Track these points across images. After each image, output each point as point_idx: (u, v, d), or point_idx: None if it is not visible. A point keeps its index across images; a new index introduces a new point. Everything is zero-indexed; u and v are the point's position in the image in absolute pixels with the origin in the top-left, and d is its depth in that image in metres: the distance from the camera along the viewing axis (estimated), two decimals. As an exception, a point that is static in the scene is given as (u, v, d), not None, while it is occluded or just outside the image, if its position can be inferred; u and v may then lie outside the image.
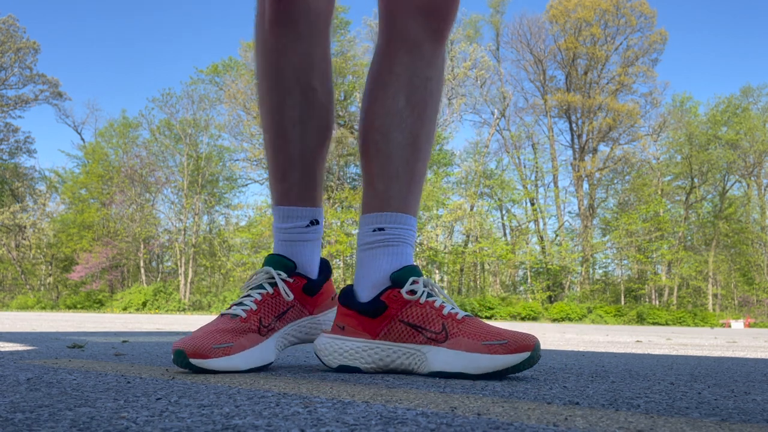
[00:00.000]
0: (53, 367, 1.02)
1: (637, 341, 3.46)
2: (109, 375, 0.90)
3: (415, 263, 1.09)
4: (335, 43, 25.49)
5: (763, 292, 28.94)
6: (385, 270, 1.06)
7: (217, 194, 31.61)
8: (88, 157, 31.89)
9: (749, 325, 22.59)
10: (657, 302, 29.13)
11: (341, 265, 28.96)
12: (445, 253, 28.85)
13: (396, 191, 1.09)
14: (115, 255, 29.73)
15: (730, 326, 21.02)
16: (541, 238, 30.34)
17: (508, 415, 0.60)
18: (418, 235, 25.38)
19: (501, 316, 24.45)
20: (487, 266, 30.81)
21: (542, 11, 33.90)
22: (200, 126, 30.51)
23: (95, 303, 28.16)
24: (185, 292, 28.81)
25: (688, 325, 22.47)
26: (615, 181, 31.53)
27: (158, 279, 31.56)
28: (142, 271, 31.06)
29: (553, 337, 3.97)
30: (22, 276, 32.28)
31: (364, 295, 1.06)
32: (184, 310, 26.04)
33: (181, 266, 29.87)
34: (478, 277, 31.12)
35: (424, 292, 1.03)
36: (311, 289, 1.12)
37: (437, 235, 28.35)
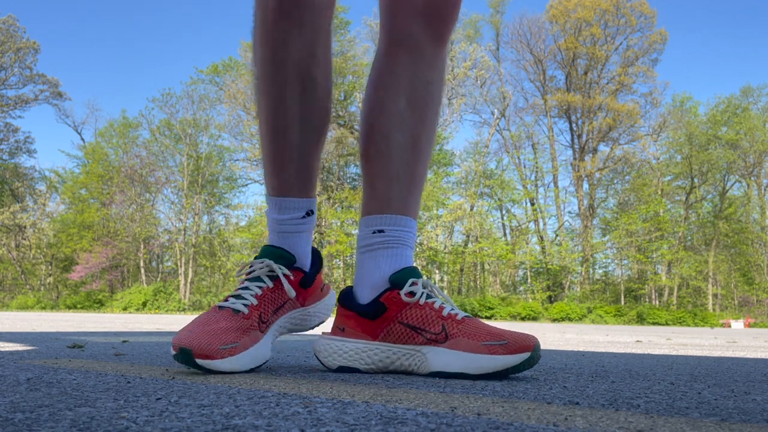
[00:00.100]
0: (53, 367, 1.02)
1: (637, 341, 3.46)
2: (109, 375, 0.90)
3: (414, 265, 1.09)
4: (335, 43, 25.48)
5: (763, 292, 28.94)
6: (385, 272, 1.06)
7: (217, 194, 31.63)
8: (88, 157, 31.90)
9: (749, 325, 22.59)
10: (657, 302, 29.14)
11: (341, 265, 28.97)
12: (445, 253, 28.86)
13: (396, 193, 1.09)
14: (115, 255, 29.73)
15: (730, 326, 21.02)
16: (541, 238, 30.35)
17: (508, 415, 0.60)
18: (418, 235, 25.42)
19: (501, 316, 24.45)
20: (487, 266, 30.82)
21: (542, 11, 33.93)
22: (200, 126, 30.52)
23: (95, 303, 28.16)
24: (185, 292, 28.81)
25: (688, 325, 22.47)
26: (615, 181, 31.56)
27: (158, 279, 31.56)
28: (142, 271, 31.07)
29: (553, 337, 3.97)
30: (22, 276, 32.28)
31: (364, 296, 1.06)
32: (184, 310, 26.04)
33: (181, 266, 29.88)
34: (478, 277, 31.12)
35: (423, 293, 1.03)
36: (306, 282, 1.12)
37: (437, 235, 28.35)
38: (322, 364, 1.06)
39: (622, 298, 29.05)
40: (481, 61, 28.78)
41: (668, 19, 47.12)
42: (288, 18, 1.06)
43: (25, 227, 31.68)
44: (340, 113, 27.92)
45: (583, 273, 29.46)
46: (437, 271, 28.52)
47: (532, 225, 31.13)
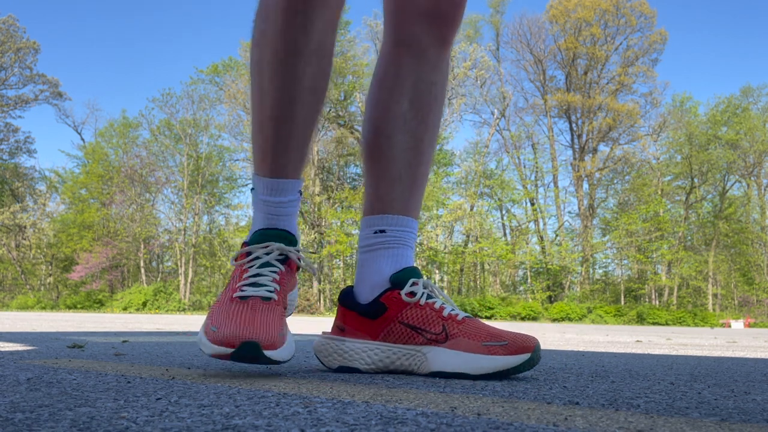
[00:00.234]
0: (53, 367, 1.02)
1: (637, 341, 3.46)
2: (109, 375, 0.90)
3: (415, 265, 1.09)
4: (336, 43, 25.48)
5: (763, 292, 28.94)
6: (386, 272, 1.06)
7: (217, 194, 31.63)
8: (88, 157, 31.90)
9: (749, 325, 22.59)
10: (657, 302, 29.14)
11: (341, 265, 28.98)
12: (445, 253, 28.86)
13: (398, 194, 1.10)
14: (115, 255, 29.74)
15: (730, 326, 21.02)
16: (541, 238, 30.35)
17: (508, 415, 0.60)
18: (418, 235, 25.44)
19: (501, 316, 24.45)
20: (487, 266, 30.82)
21: (542, 11, 33.93)
22: (200, 126, 30.53)
23: (95, 303, 28.17)
24: (185, 292, 28.82)
25: (688, 325, 22.47)
26: (615, 181, 31.56)
27: (158, 279, 31.57)
28: (142, 271, 31.07)
29: (553, 337, 3.97)
30: (22, 276, 32.28)
31: (364, 296, 1.06)
32: (184, 310, 26.04)
33: (181, 266, 29.88)
34: (478, 277, 31.13)
35: (423, 293, 1.03)
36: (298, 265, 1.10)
37: (437, 235, 28.36)
38: (322, 363, 1.06)
39: (622, 298, 29.05)
40: (481, 61, 28.80)
41: (668, 19, 47.16)
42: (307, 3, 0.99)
43: (25, 227, 31.69)
44: (340, 113, 27.93)
45: (583, 273, 29.47)
46: (437, 271, 28.53)
47: (532, 225, 31.15)
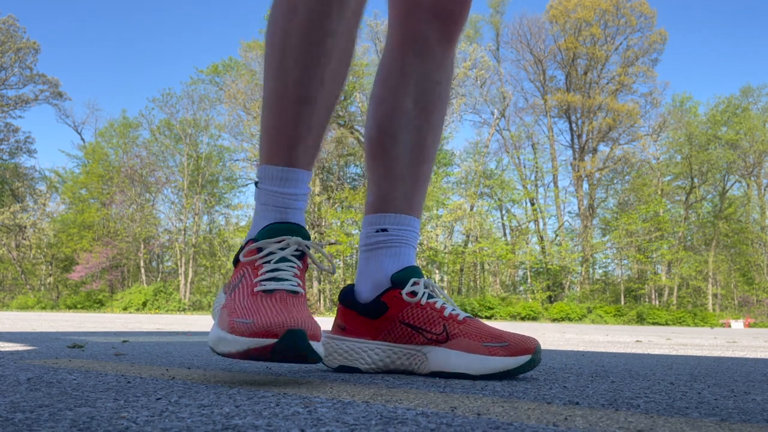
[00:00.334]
0: (53, 367, 1.02)
1: (637, 341, 3.46)
2: (109, 375, 0.90)
3: (416, 264, 1.09)
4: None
5: (763, 292, 28.94)
6: (387, 271, 1.06)
7: (217, 194, 31.64)
8: (88, 157, 31.90)
9: (749, 325, 22.59)
10: (657, 302, 29.14)
11: (341, 265, 28.96)
12: (445, 253, 28.86)
13: (401, 192, 1.10)
14: (115, 255, 29.74)
15: (730, 326, 21.02)
16: (541, 238, 30.35)
17: (508, 415, 0.60)
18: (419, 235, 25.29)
19: (501, 316, 24.45)
20: (487, 266, 30.83)
21: (542, 11, 33.94)
22: (200, 126, 30.54)
23: (95, 303, 28.16)
24: (185, 292, 28.82)
25: (688, 325, 22.47)
26: (615, 181, 31.57)
27: (158, 279, 31.57)
28: (142, 271, 31.07)
29: (553, 337, 3.97)
30: (22, 276, 32.28)
31: (365, 295, 1.06)
32: (184, 310, 26.04)
33: (181, 266, 29.88)
34: (478, 277, 31.13)
35: (425, 293, 1.03)
36: None
37: (437, 235, 28.36)
38: (323, 362, 1.06)
39: (622, 298, 29.05)
40: (481, 61, 28.80)
41: (668, 19, 47.16)
42: None
43: (25, 227, 31.69)
44: (340, 113, 27.92)
45: (583, 273, 29.47)
46: (437, 271, 28.53)
47: (532, 225, 31.15)
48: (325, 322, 8.19)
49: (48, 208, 33.27)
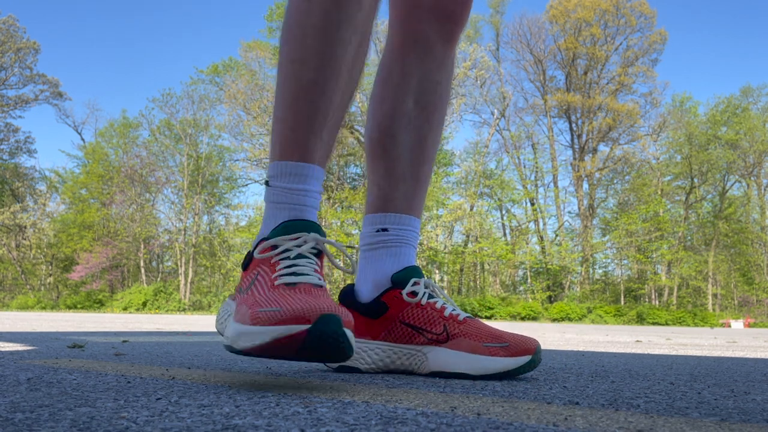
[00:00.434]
0: (53, 367, 1.02)
1: (637, 341, 3.46)
2: (109, 375, 0.90)
3: (416, 264, 1.09)
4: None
5: (763, 292, 28.94)
6: (387, 271, 1.06)
7: (217, 194, 31.64)
8: (88, 157, 31.91)
9: (749, 325, 22.59)
10: (657, 302, 29.14)
11: (341, 264, 28.88)
12: (445, 253, 28.86)
13: (401, 192, 1.10)
14: (115, 255, 29.74)
15: (729, 326, 21.02)
16: (541, 238, 30.35)
17: (508, 415, 0.60)
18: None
19: (501, 316, 24.45)
20: (487, 266, 30.83)
21: (542, 11, 33.93)
22: (200, 126, 30.54)
23: (95, 303, 28.16)
24: (185, 292, 28.82)
25: (688, 325, 22.47)
26: (615, 181, 31.57)
27: (158, 279, 31.57)
28: (142, 271, 31.07)
29: (553, 337, 3.97)
30: (22, 276, 32.28)
31: (365, 295, 1.06)
32: (184, 310, 26.04)
33: (181, 266, 29.88)
34: (478, 277, 31.12)
35: (425, 293, 1.03)
36: None
37: (437, 235, 28.36)
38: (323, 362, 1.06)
39: (622, 298, 29.05)
40: (481, 61, 28.79)
41: (668, 19, 47.17)
42: None
43: (25, 227, 31.69)
44: (340, 113, 27.88)
45: (583, 273, 29.47)
46: (437, 271, 28.53)
47: (532, 225, 31.15)
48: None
49: (48, 208, 33.29)
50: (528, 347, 0.95)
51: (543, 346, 2.42)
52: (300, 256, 0.84)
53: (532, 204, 30.75)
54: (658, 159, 31.08)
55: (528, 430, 0.53)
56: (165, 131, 30.94)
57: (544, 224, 30.71)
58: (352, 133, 27.00)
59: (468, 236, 29.41)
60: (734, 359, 1.79)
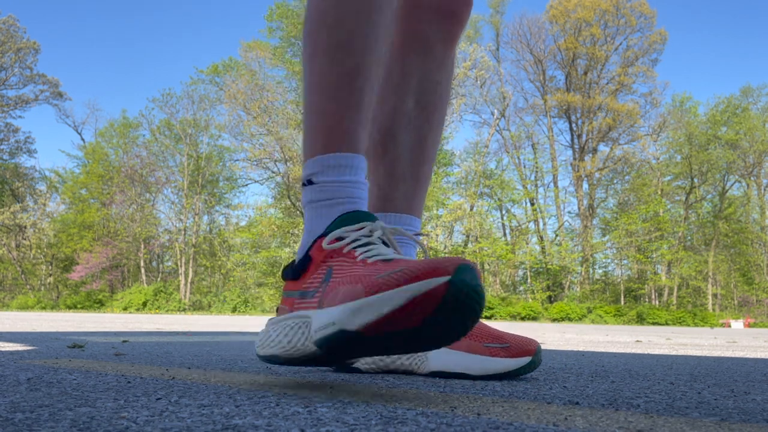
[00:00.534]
0: (53, 367, 1.02)
1: (637, 341, 3.46)
2: (109, 375, 0.90)
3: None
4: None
5: (763, 292, 28.94)
6: None
7: (217, 194, 31.64)
8: (88, 157, 31.91)
9: (749, 325, 22.59)
10: (657, 302, 29.14)
11: (341, 265, 28.90)
12: (445, 253, 28.85)
13: (401, 192, 1.10)
14: (115, 255, 29.74)
15: (729, 326, 21.02)
16: (541, 238, 30.35)
17: (508, 415, 0.60)
18: (418, 235, 25.22)
19: (501, 316, 24.45)
20: (487, 266, 30.81)
21: (542, 11, 33.94)
22: (200, 126, 30.54)
23: (95, 303, 28.17)
24: (185, 292, 28.82)
25: (688, 325, 22.47)
26: (615, 181, 31.57)
27: (158, 279, 31.57)
28: (143, 271, 31.07)
29: (553, 337, 3.97)
30: (22, 276, 32.28)
31: None
32: (184, 310, 26.04)
33: (181, 266, 29.88)
34: (478, 277, 31.06)
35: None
36: None
37: (437, 235, 28.35)
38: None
39: (622, 298, 29.05)
40: (481, 61, 28.80)
41: (668, 19, 47.17)
42: None
43: (25, 227, 31.69)
44: (340, 113, 27.87)
45: (582, 273, 29.46)
46: (437, 271, 28.46)
47: (532, 225, 31.15)
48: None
49: (48, 208, 33.29)
50: (529, 348, 0.95)
51: (543, 346, 2.42)
52: (368, 244, 0.75)
53: (532, 204, 30.75)
54: (658, 159, 31.10)
55: (528, 430, 0.53)
56: (165, 131, 30.96)
57: (544, 224, 30.73)
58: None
59: (468, 236, 29.41)
60: (734, 359, 1.79)
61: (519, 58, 31.48)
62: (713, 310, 28.02)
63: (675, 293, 29.18)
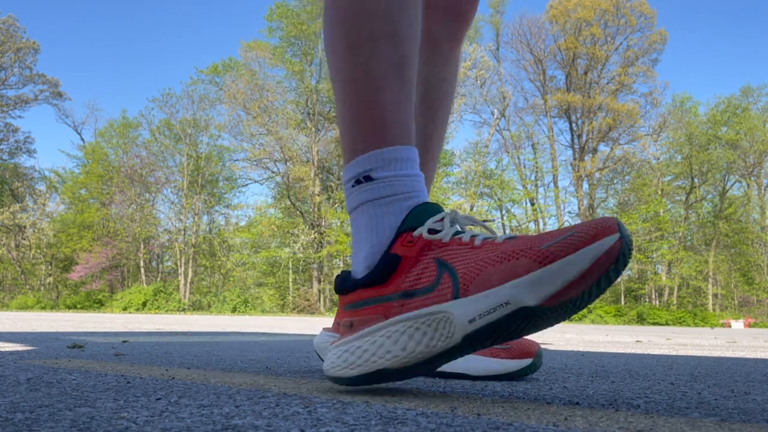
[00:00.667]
0: (53, 367, 1.02)
1: (637, 341, 3.46)
2: (109, 375, 0.90)
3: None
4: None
5: (763, 292, 28.94)
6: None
7: (217, 194, 31.65)
8: (88, 157, 31.92)
9: (749, 325, 22.58)
10: (657, 302, 29.15)
11: (341, 265, 28.94)
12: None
13: None
14: (115, 255, 29.75)
15: (730, 326, 21.02)
16: (541, 238, 30.32)
17: (508, 415, 0.60)
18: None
19: (501, 316, 24.41)
20: (487, 266, 30.81)
21: (542, 11, 33.95)
22: (200, 126, 30.55)
23: (95, 303, 28.17)
24: (185, 292, 28.82)
25: (688, 325, 22.47)
26: (615, 181, 31.57)
27: (158, 279, 31.57)
28: (142, 271, 31.08)
29: (553, 337, 3.97)
30: (22, 276, 32.28)
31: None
32: (184, 310, 26.04)
33: (181, 266, 29.88)
34: (478, 277, 31.07)
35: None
36: None
37: (437, 235, 28.33)
38: (323, 360, 1.06)
39: (622, 298, 29.05)
40: (481, 61, 28.80)
41: (668, 19, 47.17)
42: None
43: (25, 227, 31.69)
44: (340, 113, 27.87)
45: (583, 273, 29.42)
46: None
47: (532, 225, 31.13)
48: (325, 322, 8.19)
49: (48, 208, 33.29)
50: (530, 350, 0.95)
51: (543, 347, 2.42)
52: (462, 231, 0.73)
53: (532, 204, 30.76)
54: (658, 159, 31.10)
55: (528, 430, 0.52)
56: (165, 131, 30.97)
57: (544, 224, 30.71)
58: (352, 133, 26.95)
59: (468, 236, 29.39)
60: (734, 359, 1.79)
61: (519, 58, 31.52)
62: (713, 310, 28.03)
63: (675, 293, 29.18)
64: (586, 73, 30.59)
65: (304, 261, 28.03)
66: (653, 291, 29.72)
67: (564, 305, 0.63)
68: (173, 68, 48.14)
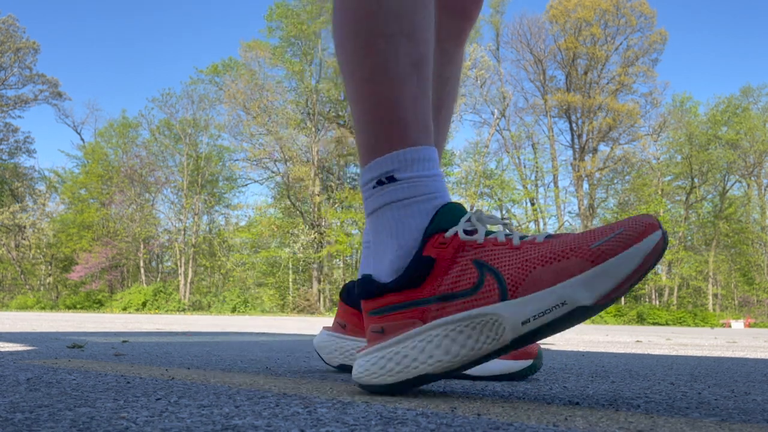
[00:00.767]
0: (53, 367, 1.02)
1: (637, 341, 3.46)
2: (109, 375, 0.90)
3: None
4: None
5: (763, 292, 28.95)
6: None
7: (216, 194, 31.65)
8: (88, 157, 31.92)
9: (749, 325, 22.59)
10: (657, 302, 29.15)
11: (341, 265, 28.97)
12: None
13: None
14: (114, 255, 29.75)
15: (730, 326, 21.02)
16: (541, 238, 30.32)
17: (508, 415, 0.60)
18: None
19: (501, 316, 24.42)
20: (487, 266, 30.82)
21: (542, 11, 33.95)
22: (200, 126, 30.55)
23: (95, 303, 28.17)
24: (185, 292, 28.82)
25: (688, 325, 22.47)
26: (615, 181, 31.58)
27: (158, 279, 31.57)
28: (142, 271, 31.07)
29: (553, 337, 3.97)
30: (22, 276, 32.28)
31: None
32: (183, 310, 26.04)
33: (180, 266, 29.88)
34: (478, 277, 31.07)
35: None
36: None
37: (437, 235, 28.34)
38: (323, 360, 1.06)
39: (622, 298, 29.05)
40: (481, 61, 28.81)
41: (668, 19, 47.18)
42: None
43: (24, 227, 31.69)
44: (340, 113, 27.94)
45: (583, 273, 29.42)
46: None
47: (532, 225, 31.14)
48: (325, 322, 8.19)
49: (47, 208, 33.29)
50: (530, 351, 0.95)
51: (543, 347, 2.42)
52: (490, 232, 0.72)
53: (533, 204, 30.76)
54: (659, 159, 31.10)
55: (528, 430, 0.52)
56: (165, 131, 30.97)
57: (545, 224, 30.72)
58: (351, 133, 26.97)
59: (468, 236, 29.40)
60: (734, 359, 1.79)
61: (519, 57, 31.53)
62: (713, 310, 28.03)
63: (675, 293, 29.18)
64: (586, 73, 30.60)
65: (304, 261, 28.05)
66: (653, 291, 29.73)
67: (612, 302, 0.65)
68: (173, 68, 48.17)
